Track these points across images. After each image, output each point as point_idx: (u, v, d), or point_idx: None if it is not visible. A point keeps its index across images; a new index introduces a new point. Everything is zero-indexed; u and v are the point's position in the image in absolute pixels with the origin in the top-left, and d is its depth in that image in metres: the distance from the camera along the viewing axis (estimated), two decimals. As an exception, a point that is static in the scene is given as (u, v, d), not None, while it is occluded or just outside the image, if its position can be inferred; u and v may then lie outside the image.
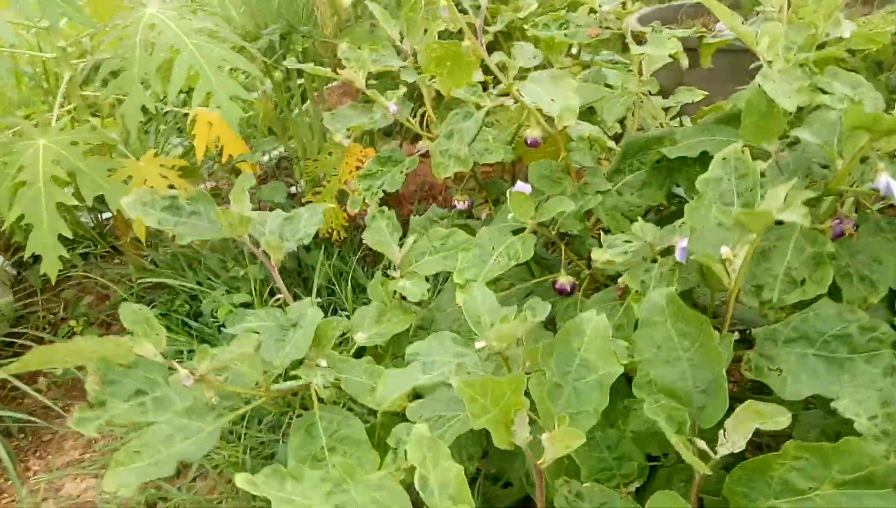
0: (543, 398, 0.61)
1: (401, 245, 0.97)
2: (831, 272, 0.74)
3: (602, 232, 0.90)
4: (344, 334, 0.89)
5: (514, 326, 0.69)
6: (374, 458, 0.75)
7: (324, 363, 0.78)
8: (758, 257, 0.79)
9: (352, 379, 0.79)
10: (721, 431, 0.60)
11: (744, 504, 0.61)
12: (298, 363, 0.79)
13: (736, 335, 0.73)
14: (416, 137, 1.28)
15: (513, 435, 0.57)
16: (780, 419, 0.58)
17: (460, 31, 0.91)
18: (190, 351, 1.45)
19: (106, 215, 1.96)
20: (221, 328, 1.62)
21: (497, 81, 1.00)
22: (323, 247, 1.68)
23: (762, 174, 0.77)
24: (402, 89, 1.20)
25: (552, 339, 0.63)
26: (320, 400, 0.77)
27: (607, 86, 1.18)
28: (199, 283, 1.71)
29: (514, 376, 0.55)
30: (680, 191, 1.06)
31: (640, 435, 0.84)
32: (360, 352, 0.89)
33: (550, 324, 0.90)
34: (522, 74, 0.97)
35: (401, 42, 1.25)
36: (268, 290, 1.64)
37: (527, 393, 0.59)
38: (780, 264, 0.78)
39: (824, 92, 0.82)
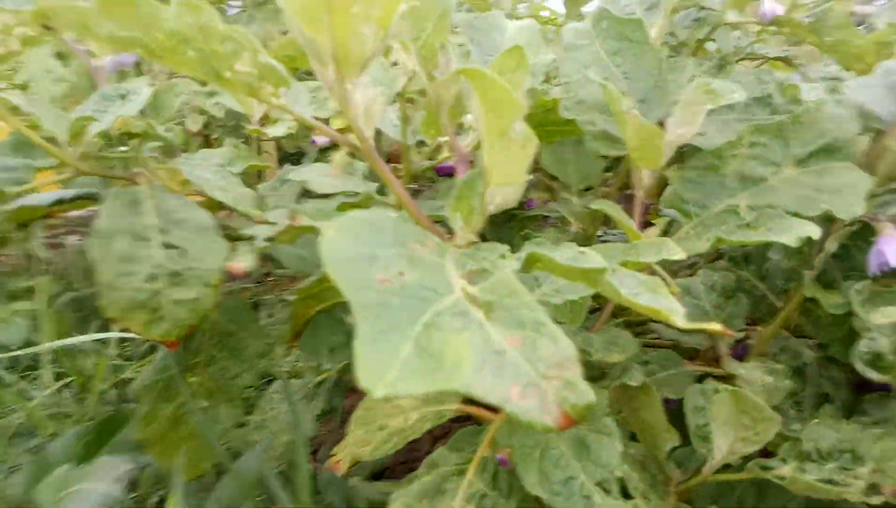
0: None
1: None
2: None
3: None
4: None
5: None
6: (221, 247, 0.56)
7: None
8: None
9: (198, 174, 0.61)
10: (668, 121, 0.51)
11: (695, 211, 0.51)
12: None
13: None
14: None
15: (433, 79, 0.44)
16: (734, 95, 0.50)
17: None
18: None
19: None
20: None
21: None
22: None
23: None
24: None
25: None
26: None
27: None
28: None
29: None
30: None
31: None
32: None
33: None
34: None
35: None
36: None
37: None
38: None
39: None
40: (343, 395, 0.90)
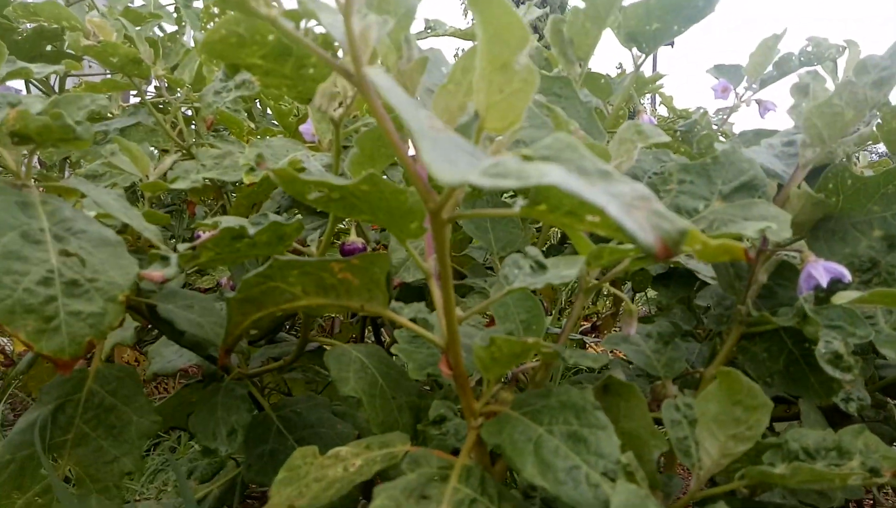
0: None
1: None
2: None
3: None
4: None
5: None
6: (129, 262, 0.48)
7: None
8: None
9: (100, 197, 0.53)
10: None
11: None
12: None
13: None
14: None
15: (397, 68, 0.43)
16: (660, 137, 0.54)
17: None
18: None
19: None
20: None
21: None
22: None
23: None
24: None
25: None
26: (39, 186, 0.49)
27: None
28: None
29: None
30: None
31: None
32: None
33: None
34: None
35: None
36: None
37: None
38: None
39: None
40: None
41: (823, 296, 0.52)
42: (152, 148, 1.23)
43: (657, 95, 1.70)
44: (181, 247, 0.53)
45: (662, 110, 1.70)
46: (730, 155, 0.54)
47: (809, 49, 1.12)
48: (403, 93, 0.24)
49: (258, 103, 1.32)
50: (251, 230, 0.48)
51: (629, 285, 1.02)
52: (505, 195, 0.86)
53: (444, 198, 0.33)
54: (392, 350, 0.60)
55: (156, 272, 0.44)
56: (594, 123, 0.58)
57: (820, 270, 0.51)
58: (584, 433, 0.36)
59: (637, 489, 0.32)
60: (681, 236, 0.21)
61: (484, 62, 0.33)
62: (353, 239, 0.79)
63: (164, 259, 0.48)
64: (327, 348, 0.74)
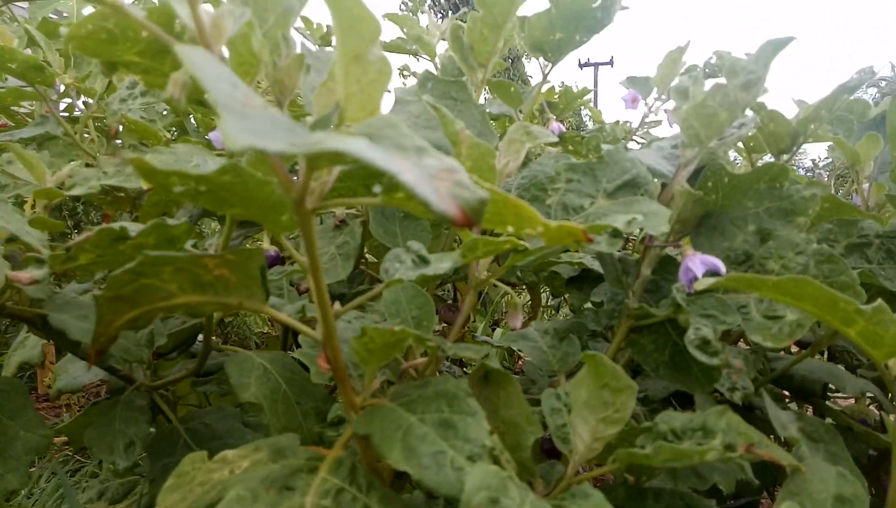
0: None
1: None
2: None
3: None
4: None
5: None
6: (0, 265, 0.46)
7: None
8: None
9: None
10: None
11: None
12: None
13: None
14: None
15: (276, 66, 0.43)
16: (549, 137, 0.55)
17: None
18: None
19: None
20: None
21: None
22: None
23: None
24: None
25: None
26: None
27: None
28: None
29: None
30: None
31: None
32: None
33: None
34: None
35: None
36: None
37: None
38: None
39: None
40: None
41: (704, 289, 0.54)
42: (73, 161, 1.19)
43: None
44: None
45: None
46: (614, 155, 0.56)
47: (714, 61, 1.17)
48: (221, 69, 0.24)
49: (192, 119, 1.30)
50: (133, 231, 0.47)
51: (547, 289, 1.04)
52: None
53: (302, 187, 0.34)
54: (294, 355, 0.60)
55: (23, 274, 0.42)
56: (486, 125, 0.60)
57: (696, 263, 0.53)
58: (455, 419, 0.37)
59: (496, 469, 0.33)
60: (481, 204, 0.22)
61: (340, 54, 0.34)
62: (266, 247, 0.79)
63: (40, 262, 0.47)
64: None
